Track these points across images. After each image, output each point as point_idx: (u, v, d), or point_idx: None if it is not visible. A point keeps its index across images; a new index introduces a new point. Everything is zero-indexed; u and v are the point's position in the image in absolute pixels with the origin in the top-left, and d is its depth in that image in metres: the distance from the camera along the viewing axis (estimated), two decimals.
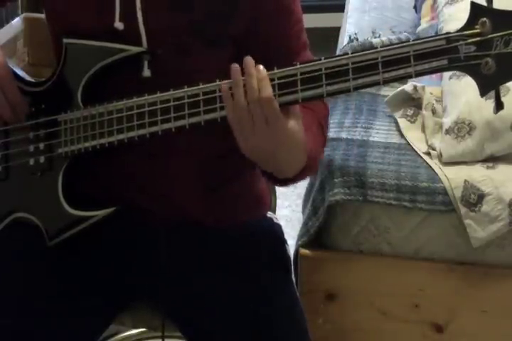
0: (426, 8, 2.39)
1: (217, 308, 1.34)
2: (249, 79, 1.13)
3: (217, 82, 1.18)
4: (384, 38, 2.31)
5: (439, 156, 1.83)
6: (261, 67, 1.13)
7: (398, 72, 1.10)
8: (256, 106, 1.12)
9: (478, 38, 1.08)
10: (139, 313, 1.47)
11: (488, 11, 1.08)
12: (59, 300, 1.32)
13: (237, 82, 1.13)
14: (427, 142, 1.89)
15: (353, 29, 2.50)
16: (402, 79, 1.12)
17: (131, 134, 1.24)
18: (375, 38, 2.36)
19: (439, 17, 2.11)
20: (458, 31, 1.09)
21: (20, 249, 1.37)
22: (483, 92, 1.10)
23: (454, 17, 2.01)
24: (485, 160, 1.82)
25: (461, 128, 1.81)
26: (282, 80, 1.14)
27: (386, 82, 1.12)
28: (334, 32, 2.77)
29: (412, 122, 1.96)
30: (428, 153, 1.86)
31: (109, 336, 1.70)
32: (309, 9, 3.84)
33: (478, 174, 1.77)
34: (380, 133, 1.94)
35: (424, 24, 2.32)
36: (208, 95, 1.18)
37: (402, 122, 1.96)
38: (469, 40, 1.08)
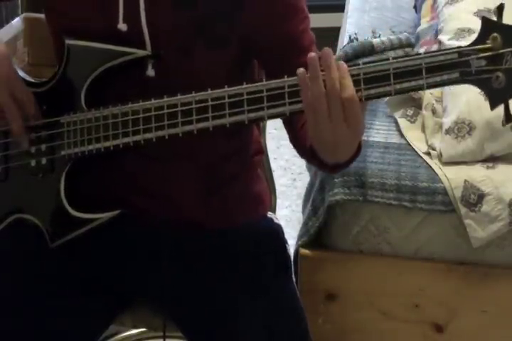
0: (426, 8, 2.39)
1: (218, 309, 1.33)
2: (330, 74, 1.10)
3: (226, 88, 1.17)
4: (384, 38, 2.31)
5: (439, 156, 1.83)
6: (341, 63, 1.11)
7: (410, 83, 1.12)
8: (337, 105, 1.10)
9: (489, 53, 1.10)
10: (139, 313, 1.47)
11: (499, 27, 1.10)
12: (59, 300, 1.32)
13: (315, 73, 1.10)
14: (427, 142, 1.89)
15: (353, 29, 2.50)
16: (414, 90, 1.13)
17: (137, 138, 1.24)
18: (375, 37, 2.35)
19: (439, 17, 2.11)
20: (469, 45, 1.11)
21: (21, 248, 1.37)
22: (493, 105, 1.12)
23: (454, 17, 2.01)
24: (485, 160, 1.82)
25: (461, 128, 1.81)
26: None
27: (398, 93, 1.13)
28: (334, 32, 2.77)
29: (412, 122, 1.96)
30: (428, 153, 1.86)
31: (109, 336, 1.70)
32: (309, 9, 3.84)
33: (478, 174, 1.77)
34: (380, 133, 1.94)
35: (424, 24, 2.32)
36: (217, 101, 1.18)
37: (402, 122, 1.96)
38: (481, 55, 1.10)
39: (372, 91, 1.13)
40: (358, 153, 1.24)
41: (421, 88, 1.13)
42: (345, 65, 1.11)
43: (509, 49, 1.09)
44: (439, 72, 1.11)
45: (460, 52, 1.11)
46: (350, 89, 1.10)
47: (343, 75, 1.11)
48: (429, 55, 1.12)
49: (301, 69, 1.10)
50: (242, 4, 1.26)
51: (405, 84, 1.12)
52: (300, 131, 1.29)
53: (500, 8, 1.11)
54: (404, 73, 1.12)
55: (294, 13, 1.31)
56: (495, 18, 1.11)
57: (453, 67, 1.11)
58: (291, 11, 1.30)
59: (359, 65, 1.13)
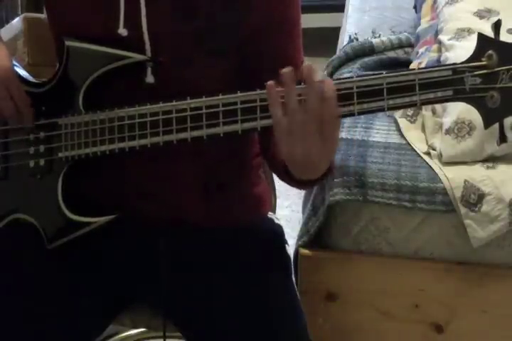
0: (426, 8, 2.39)
1: (217, 309, 1.34)
2: (312, 89, 1.07)
3: (220, 96, 1.16)
4: (384, 38, 2.31)
5: (439, 156, 1.83)
6: (328, 80, 1.08)
7: (403, 99, 1.10)
8: (315, 120, 1.07)
9: (484, 71, 1.08)
10: (139, 313, 1.47)
11: (496, 44, 1.08)
12: (58, 300, 1.32)
13: (289, 91, 1.07)
14: (427, 142, 1.89)
15: (353, 29, 2.50)
16: (407, 107, 1.12)
17: (133, 143, 1.23)
18: (375, 37, 2.35)
19: (439, 17, 2.11)
20: (464, 62, 1.09)
21: (21, 248, 1.37)
22: (487, 125, 1.10)
23: (454, 17, 2.01)
24: (485, 160, 1.81)
25: (461, 128, 1.80)
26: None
27: (391, 108, 1.12)
28: (334, 32, 2.77)
29: (412, 122, 1.96)
30: (428, 153, 1.86)
31: (109, 336, 1.70)
32: (309, 9, 3.85)
33: (478, 174, 1.77)
34: (380, 133, 1.94)
35: (424, 24, 2.32)
36: (212, 109, 1.17)
37: (402, 122, 1.96)
38: (475, 72, 1.08)
39: (365, 106, 1.11)
40: (329, 173, 1.21)
41: (415, 104, 1.11)
42: (331, 81, 1.09)
43: (504, 67, 1.07)
44: (432, 89, 1.09)
45: (454, 69, 1.09)
46: (333, 105, 1.08)
47: (328, 91, 1.07)
48: (423, 70, 1.10)
49: (270, 82, 1.08)
50: (241, 16, 1.26)
51: (398, 100, 1.10)
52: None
53: (497, 25, 1.09)
54: (397, 88, 1.10)
55: (292, 27, 1.31)
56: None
57: (447, 84, 1.09)
58: (289, 24, 1.30)
59: (352, 77, 1.12)
